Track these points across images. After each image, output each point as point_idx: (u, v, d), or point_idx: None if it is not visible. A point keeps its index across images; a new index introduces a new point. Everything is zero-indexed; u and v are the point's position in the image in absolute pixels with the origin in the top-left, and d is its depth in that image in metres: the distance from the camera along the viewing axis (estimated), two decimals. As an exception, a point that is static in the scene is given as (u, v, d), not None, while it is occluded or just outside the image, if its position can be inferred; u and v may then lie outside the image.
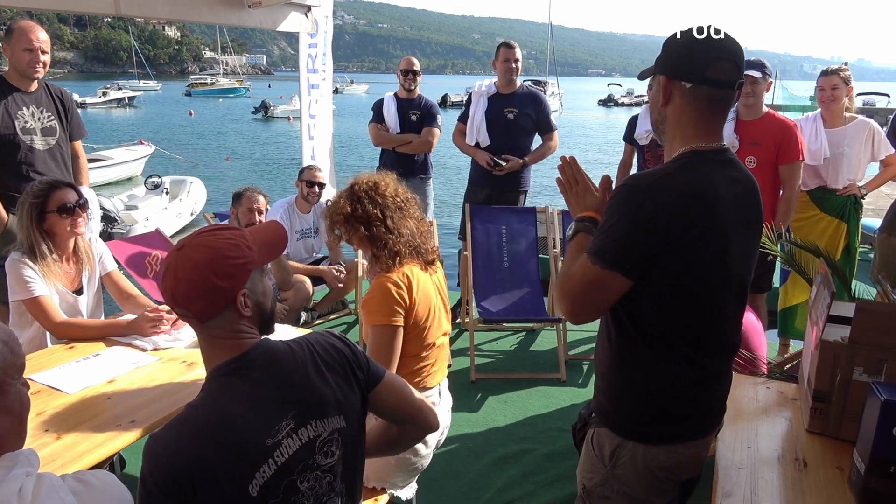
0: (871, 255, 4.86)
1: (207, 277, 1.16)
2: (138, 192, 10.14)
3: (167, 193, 10.08)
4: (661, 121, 1.44)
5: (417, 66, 4.61)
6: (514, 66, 4.17)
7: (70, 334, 2.35)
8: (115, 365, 2.12)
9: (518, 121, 4.20)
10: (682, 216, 1.29)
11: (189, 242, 1.19)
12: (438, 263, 2.11)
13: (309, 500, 1.21)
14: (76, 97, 40.00)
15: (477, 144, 4.29)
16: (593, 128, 34.45)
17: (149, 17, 3.50)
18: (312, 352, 1.28)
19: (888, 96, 27.70)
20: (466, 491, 2.72)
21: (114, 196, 9.79)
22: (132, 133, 24.02)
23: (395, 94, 4.62)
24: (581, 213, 1.52)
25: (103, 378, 2.03)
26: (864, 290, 3.71)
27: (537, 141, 4.38)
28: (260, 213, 3.49)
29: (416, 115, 4.55)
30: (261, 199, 3.53)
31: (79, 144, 3.42)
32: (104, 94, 42.58)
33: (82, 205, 2.48)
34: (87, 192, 3.49)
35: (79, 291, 2.53)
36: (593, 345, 3.51)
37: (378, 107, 4.62)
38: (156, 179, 10.19)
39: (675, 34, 1.40)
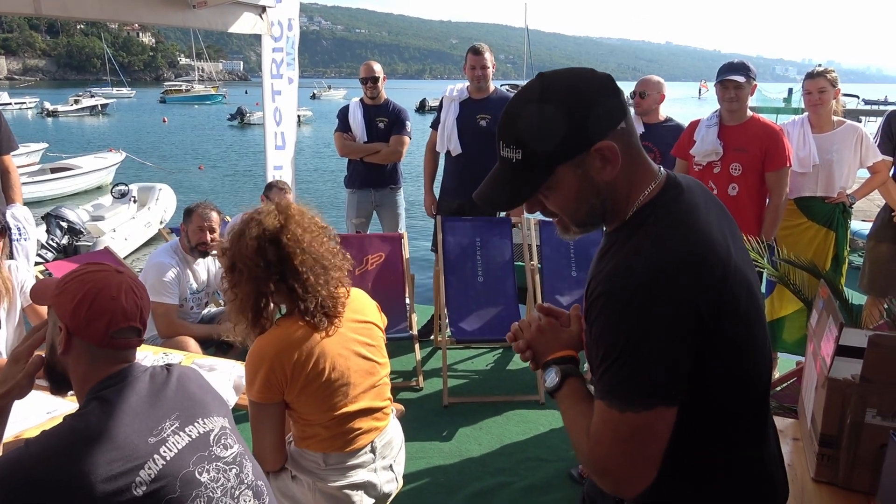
0: (860, 257, 4.71)
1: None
2: (105, 202, 9.69)
3: (135, 202, 9.68)
4: (600, 203, 1.04)
5: (378, 72, 4.30)
6: (480, 72, 3.94)
7: (-20, 376, 2.07)
8: (26, 414, 1.85)
9: (491, 128, 3.98)
10: (707, 289, 0.96)
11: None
12: (340, 319, 1.72)
13: (216, 492, 1.19)
14: (47, 105, 39.33)
15: (448, 153, 4.08)
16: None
17: (76, 17, 3.21)
18: (186, 374, 1.33)
19: (858, 97, 28.15)
20: (437, 534, 2.50)
21: (79, 207, 9.38)
22: (104, 141, 23.39)
23: (361, 101, 4.38)
24: (555, 355, 1.15)
25: (8, 432, 1.75)
26: (853, 295, 3.56)
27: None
28: (212, 231, 3.20)
29: (384, 121, 4.31)
30: (213, 216, 3.23)
31: (9, 159, 3.15)
32: (76, 101, 41.65)
33: (-1, 229, 2.21)
34: (20, 209, 3.22)
35: (-5, 326, 2.26)
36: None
37: (343, 114, 4.37)
38: (122, 188, 9.77)
39: (560, 102, 1.00)
